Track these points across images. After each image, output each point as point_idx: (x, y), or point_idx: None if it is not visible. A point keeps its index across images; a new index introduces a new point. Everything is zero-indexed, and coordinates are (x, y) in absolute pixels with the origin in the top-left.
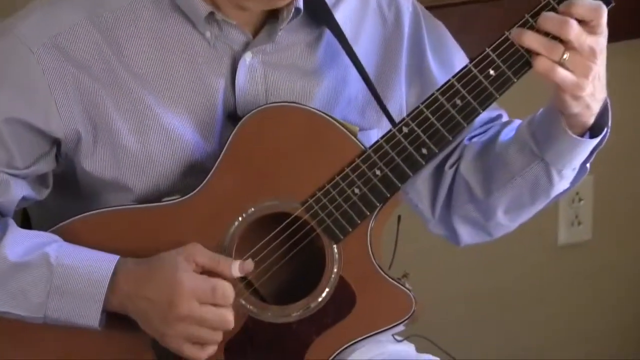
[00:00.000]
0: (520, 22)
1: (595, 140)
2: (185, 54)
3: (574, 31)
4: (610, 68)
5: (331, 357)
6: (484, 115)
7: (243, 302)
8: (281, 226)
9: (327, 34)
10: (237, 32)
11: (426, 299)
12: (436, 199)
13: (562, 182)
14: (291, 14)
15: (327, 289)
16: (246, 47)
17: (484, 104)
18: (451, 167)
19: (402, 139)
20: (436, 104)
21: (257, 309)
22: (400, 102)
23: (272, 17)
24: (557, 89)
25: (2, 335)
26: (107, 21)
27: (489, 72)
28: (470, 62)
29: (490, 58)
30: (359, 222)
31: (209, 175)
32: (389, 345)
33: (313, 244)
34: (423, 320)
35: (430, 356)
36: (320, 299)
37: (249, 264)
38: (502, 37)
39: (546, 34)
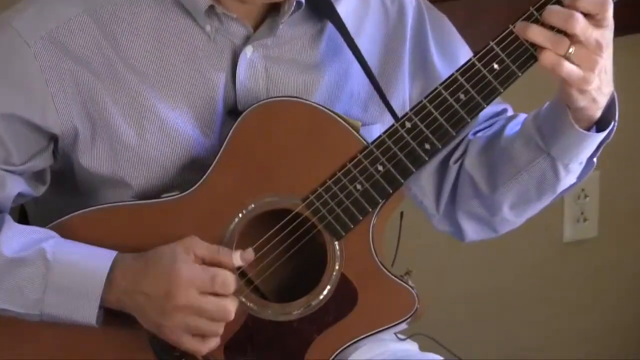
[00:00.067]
0: (525, 16)
1: (602, 134)
2: (185, 48)
3: (580, 25)
4: (616, 63)
5: (332, 356)
6: (489, 110)
7: (243, 299)
8: (282, 223)
9: (329, 27)
10: (237, 25)
11: (429, 296)
12: (441, 194)
13: (569, 177)
14: (292, 7)
15: (328, 287)
16: (247, 40)
17: (488, 99)
18: (456, 162)
19: (405, 134)
20: (439, 99)
21: (258, 307)
22: (404, 96)
23: (273, 10)
24: (563, 83)
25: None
26: (105, 15)
27: (493, 66)
28: (474, 56)
29: (494, 52)
30: (361, 218)
31: (208, 171)
32: (392, 343)
33: (314, 241)
34: (426, 318)
35: (433, 355)
36: (321, 297)
37: (250, 253)
38: (507, 31)
39: (551, 28)
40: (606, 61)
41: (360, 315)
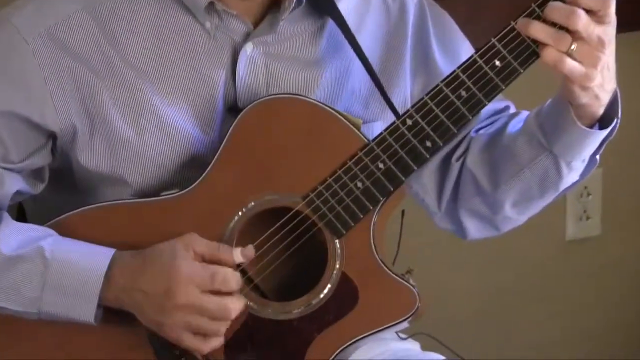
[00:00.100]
0: (527, 12)
1: (605, 132)
2: (185, 44)
3: (582, 21)
4: (619, 60)
5: (333, 355)
6: (491, 107)
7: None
8: (282, 221)
9: (330, 24)
10: (237, 22)
11: (431, 295)
12: (442, 192)
13: (571, 175)
14: (293, 4)
15: (329, 285)
16: (247, 37)
17: (490, 96)
18: (458, 159)
19: (406, 132)
20: (440, 96)
21: (258, 306)
22: (405, 93)
23: (273, 6)
24: (565, 79)
25: None
26: (104, 11)
27: (494, 62)
28: (476, 53)
29: (496, 48)
30: (362, 216)
31: (208, 169)
32: (393, 343)
33: (315, 239)
34: (428, 317)
35: (435, 354)
36: (322, 296)
37: (250, 250)
38: (508, 27)
39: (553, 24)
40: (608, 58)
41: (360, 314)
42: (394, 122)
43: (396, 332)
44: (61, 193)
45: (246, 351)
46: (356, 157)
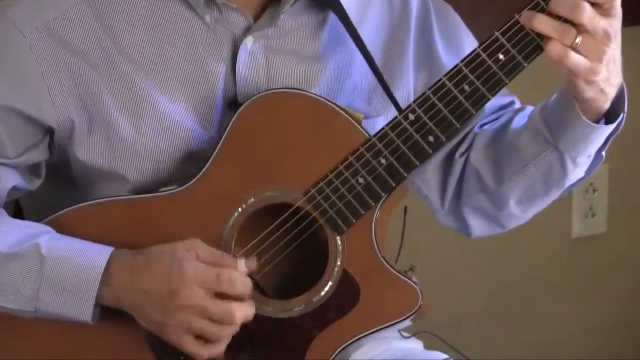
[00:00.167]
0: (531, 5)
1: (611, 127)
2: (184, 38)
3: (587, 14)
4: (624, 54)
5: (334, 354)
6: (495, 102)
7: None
8: (282, 217)
9: (332, 17)
10: (237, 15)
11: (434, 293)
12: (446, 189)
13: (577, 171)
14: None
15: (330, 283)
16: (247, 31)
17: (493, 90)
18: (461, 155)
19: (408, 126)
20: (443, 90)
21: (257, 303)
22: (408, 88)
23: (274, 0)
24: (570, 73)
25: None
26: (103, 5)
27: (498, 56)
28: (479, 47)
29: (499, 42)
30: (363, 212)
31: (207, 164)
32: (396, 342)
33: (315, 236)
34: (431, 315)
35: (439, 353)
36: (323, 293)
37: (254, 262)
38: (512, 21)
39: (558, 17)
40: (614, 51)
41: (362, 312)
42: (395, 117)
43: (399, 331)
44: (58, 189)
45: (246, 350)
46: (358, 153)
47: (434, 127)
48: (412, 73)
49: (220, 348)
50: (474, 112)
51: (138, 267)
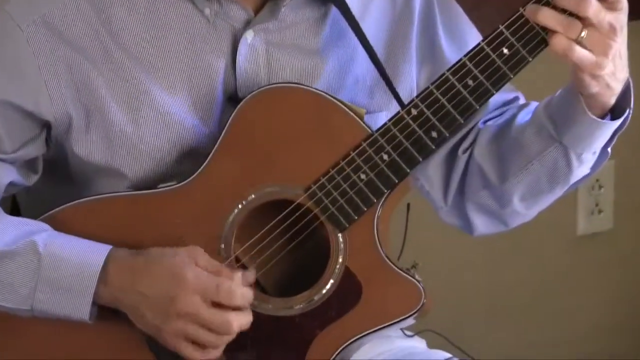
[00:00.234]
0: None
1: (617, 122)
2: (183, 32)
3: (592, 7)
4: (630, 48)
5: (336, 353)
6: (499, 98)
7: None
8: (283, 214)
9: (334, 11)
10: (237, 8)
11: (438, 291)
12: (449, 185)
13: (582, 168)
14: None
15: (331, 281)
16: (247, 25)
17: (498, 85)
18: (465, 151)
19: (411, 122)
20: (447, 85)
21: (257, 301)
22: (411, 83)
23: None
24: (576, 68)
25: None
26: None
27: (502, 50)
28: (483, 41)
29: (503, 36)
30: (365, 209)
31: (207, 160)
32: (398, 340)
33: (317, 233)
34: (434, 314)
35: (442, 352)
36: (324, 291)
37: (252, 275)
38: (517, 14)
39: (563, 11)
40: (620, 45)
41: (364, 311)
42: (398, 112)
43: (401, 330)
44: (56, 185)
45: (245, 349)
46: (360, 149)
47: (437, 123)
48: (415, 67)
49: (216, 354)
50: (478, 107)
51: (138, 268)
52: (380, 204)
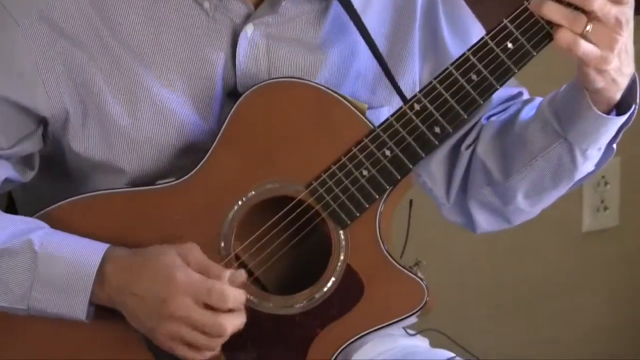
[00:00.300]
0: None
1: (622, 118)
2: (182, 26)
3: (598, 1)
4: (636, 42)
5: (337, 352)
6: (503, 93)
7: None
8: (284, 210)
9: (335, 5)
10: (237, 2)
11: (441, 289)
12: (451, 182)
13: (587, 164)
14: None
15: (333, 278)
16: (247, 18)
17: (502, 79)
18: (468, 148)
19: (414, 117)
20: (450, 79)
21: (258, 299)
22: (414, 78)
23: None
24: (581, 63)
25: None
26: None
27: (506, 45)
28: (487, 35)
29: (508, 30)
30: (367, 206)
31: (206, 156)
32: (401, 339)
33: (318, 230)
34: (437, 312)
35: (445, 352)
36: (325, 289)
37: (241, 276)
38: (521, 8)
39: (568, 5)
40: (626, 40)
41: (366, 309)
42: (401, 107)
43: (404, 328)
44: (52, 181)
45: (245, 348)
46: (361, 144)
47: (440, 118)
48: (418, 62)
49: (212, 353)
50: (482, 102)
51: (134, 269)
52: (382, 200)
